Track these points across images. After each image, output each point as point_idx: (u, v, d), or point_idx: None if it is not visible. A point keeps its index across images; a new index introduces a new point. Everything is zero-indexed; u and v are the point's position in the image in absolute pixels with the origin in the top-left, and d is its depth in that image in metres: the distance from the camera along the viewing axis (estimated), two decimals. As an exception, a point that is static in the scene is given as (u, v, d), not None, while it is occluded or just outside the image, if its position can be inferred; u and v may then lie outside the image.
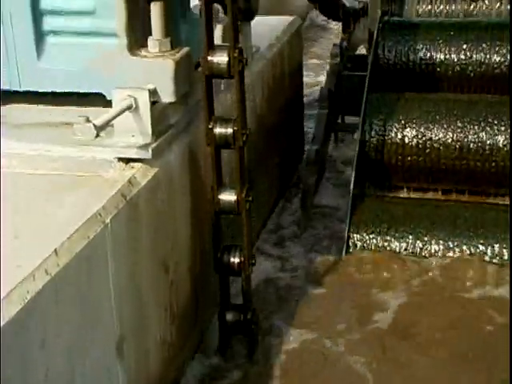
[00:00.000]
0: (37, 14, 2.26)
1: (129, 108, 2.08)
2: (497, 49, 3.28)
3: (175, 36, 2.35)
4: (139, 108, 2.10)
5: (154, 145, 2.12)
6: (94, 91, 2.26)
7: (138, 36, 2.26)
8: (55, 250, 1.65)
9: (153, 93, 2.15)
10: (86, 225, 1.77)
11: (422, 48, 3.39)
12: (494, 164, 3.08)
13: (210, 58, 2.21)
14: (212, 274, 2.47)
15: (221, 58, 2.20)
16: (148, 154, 2.09)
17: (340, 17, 3.81)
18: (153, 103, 2.14)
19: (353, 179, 3.15)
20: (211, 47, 2.22)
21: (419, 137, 3.17)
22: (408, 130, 3.19)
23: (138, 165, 2.08)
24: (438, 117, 3.19)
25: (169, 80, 2.20)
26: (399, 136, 3.19)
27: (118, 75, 2.20)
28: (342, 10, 3.75)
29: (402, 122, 3.21)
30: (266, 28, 3.54)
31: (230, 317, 2.49)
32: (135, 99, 2.09)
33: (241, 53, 2.21)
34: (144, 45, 2.26)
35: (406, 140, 3.19)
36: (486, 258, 2.97)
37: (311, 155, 3.53)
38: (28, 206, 1.88)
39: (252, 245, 2.57)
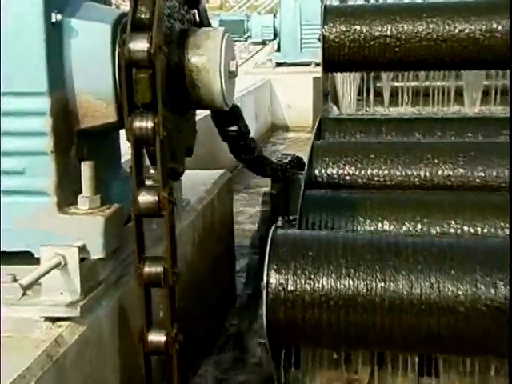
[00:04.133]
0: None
1: (57, 266, 2.07)
2: None
3: (106, 192, 2.40)
4: (68, 265, 2.10)
5: (82, 302, 2.10)
6: (22, 250, 2.25)
7: (67, 194, 2.29)
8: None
9: (82, 249, 2.16)
10: (9, 388, 1.71)
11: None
12: None
13: (139, 197, 2.21)
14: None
15: (150, 198, 2.20)
16: (76, 312, 2.07)
17: (268, 173, 3.95)
18: (82, 260, 2.14)
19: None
20: (140, 187, 2.23)
21: None
22: None
23: (65, 323, 2.05)
24: None
25: (98, 236, 2.22)
26: None
27: (47, 233, 2.20)
28: (269, 167, 3.89)
29: None
30: (196, 181, 3.65)
31: None
32: (64, 257, 2.09)
33: (171, 193, 2.24)
34: (74, 202, 2.29)
35: None
36: None
37: (243, 300, 3.54)
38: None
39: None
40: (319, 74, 4.10)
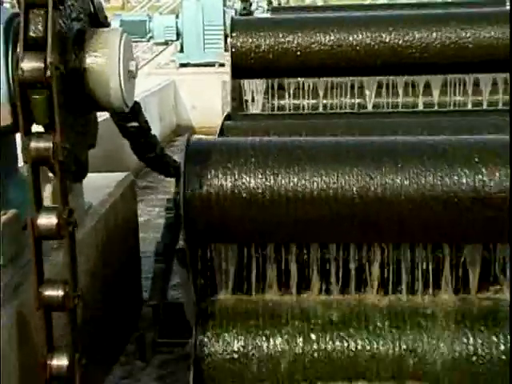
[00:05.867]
0: None
1: (-49, 275, 2.00)
2: None
3: (2, 197, 2.32)
4: (-37, 273, 2.02)
5: (-22, 311, 2.03)
6: None
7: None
8: None
9: (-23, 257, 2.08)
10: None
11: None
12: None
13: (38, 220, 2.17)
14: None
15: (49, 220, 2.16)
16: (-28, 322, 2.00)
17: (172, 173, 3.92)
18: (-22, 267, 2.07)
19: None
20: (39, 208, 2.20)
21: None
22: None
23: (-39, 334, 1.98)
24: None
25: (-6, 243, 2.15)
26: None
27: None
28: (172, 167, 3.86)
29: None
30: (99, 184, 3.58)
31: None
32: (-42, 264, 2.02)
33: (70, 214, 2.20)
34: (-32, 209, 2.21)
35: None
36: None
37: (148, 342, 3.46)
38: None
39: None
40: (224, 75, 4.42)
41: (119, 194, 3.71)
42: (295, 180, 2.49)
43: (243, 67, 4.14)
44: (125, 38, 2.54)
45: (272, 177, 2.51)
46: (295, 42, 4.04)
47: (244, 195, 2.51)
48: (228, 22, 10.43)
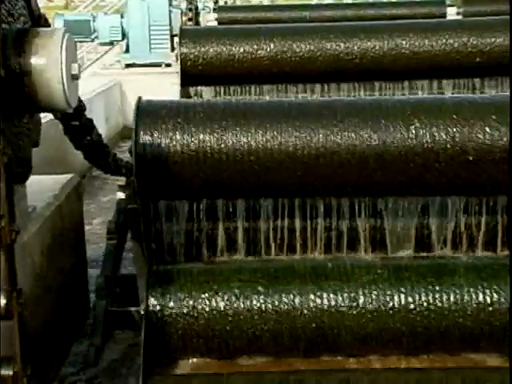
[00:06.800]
0: None
1: None
2: None
3: None
4: None
5: None
6: None
7: None
8: None
9: None
10: None
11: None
12: None
13: None
14: None
15: None
16: None
17: (122, 172, 3.89)
18: None
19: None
20: None
21: None
22: None
23: None
24: None
25: None
26: None
27: None
28: (122, 166, 3.83)
29: None
30: (43, 187, 3.52)
31: None
32: None
33: (12, 220, 2.13)
34: None
35: None
36: None
37: (99, 311, 3.43)
38: None
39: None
40: (171, 75, 4.65)
41: (64, 196, 3.65)
42: (242, 135, 2.59)
43: (192, 75, 4.44)
44: (67, 38, 2.50)
45: (220, 132, 2.59)
46: (241, 50, 4.37)
47: (193, 150, 2.58)
48: (174, 22, 10.45)
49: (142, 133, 2.60)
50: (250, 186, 2.68)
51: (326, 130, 2.57)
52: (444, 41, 4.35)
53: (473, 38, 4.34)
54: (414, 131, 2.55)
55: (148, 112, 2.67)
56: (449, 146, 2.53)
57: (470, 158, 2.54)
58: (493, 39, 4.34)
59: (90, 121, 3.36)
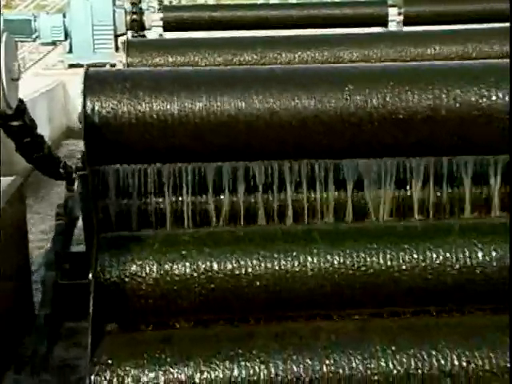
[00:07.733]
0: None
1: None
2: None
3: None
4: None
5: None
6: None
7: None
8: None
9: None
10: None
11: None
12: None
13: None
14: None
15: None
16: None
17: (63, 176, 3.83)
18: None
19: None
20: None
21: None
22: None
23: None
24: None
25: None
26: None
27: None
28: (63, 168, 3.77)
29: None
30: (-17, 191, 3.44)
31: None
32: None
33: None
34: None
35: None
36: None
37: (41, 321, 3.37)
38: None
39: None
40: None
41: (6, 199, 3.57)
42: (186, 99, 2.63)
43: None
44: (6, 37, 2.45)
45: (166, 96, 2.63)
46: (186, 61, 4.42)
47: (140, 114, 2.60)
48: (118, 22, 10.35)
49: (89, 98, 2.59)
50: (196, 149, 2.73)
51: (264, 92, 2.65)
52: (384, 53, 4.49)
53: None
54: (348, 93, 2.69)
55: (96, 79, 2.68)
56: (380, 106, 2.67)
57: (401, 117, 2.69)
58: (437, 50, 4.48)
59: (32, 120, 3.29)
